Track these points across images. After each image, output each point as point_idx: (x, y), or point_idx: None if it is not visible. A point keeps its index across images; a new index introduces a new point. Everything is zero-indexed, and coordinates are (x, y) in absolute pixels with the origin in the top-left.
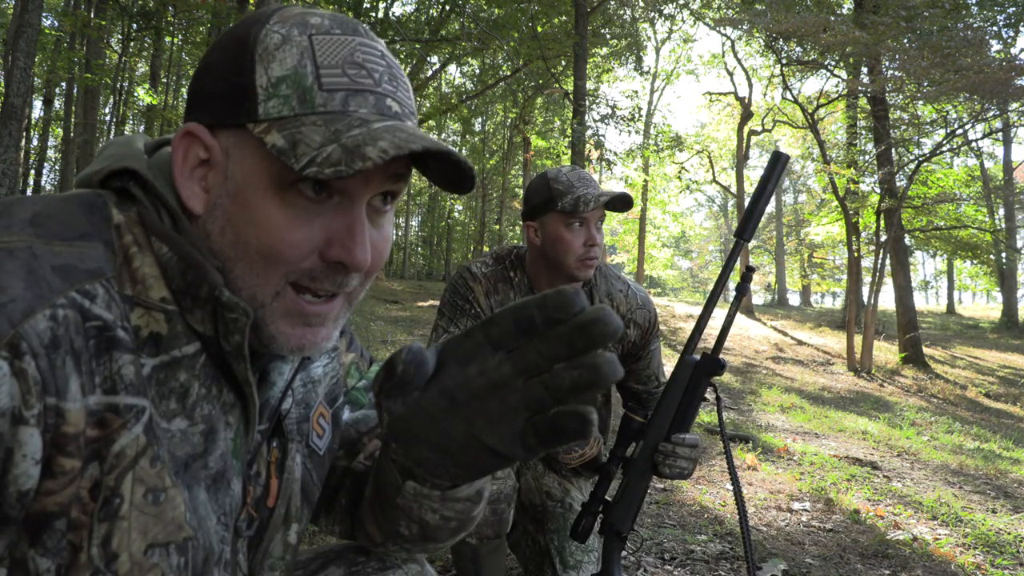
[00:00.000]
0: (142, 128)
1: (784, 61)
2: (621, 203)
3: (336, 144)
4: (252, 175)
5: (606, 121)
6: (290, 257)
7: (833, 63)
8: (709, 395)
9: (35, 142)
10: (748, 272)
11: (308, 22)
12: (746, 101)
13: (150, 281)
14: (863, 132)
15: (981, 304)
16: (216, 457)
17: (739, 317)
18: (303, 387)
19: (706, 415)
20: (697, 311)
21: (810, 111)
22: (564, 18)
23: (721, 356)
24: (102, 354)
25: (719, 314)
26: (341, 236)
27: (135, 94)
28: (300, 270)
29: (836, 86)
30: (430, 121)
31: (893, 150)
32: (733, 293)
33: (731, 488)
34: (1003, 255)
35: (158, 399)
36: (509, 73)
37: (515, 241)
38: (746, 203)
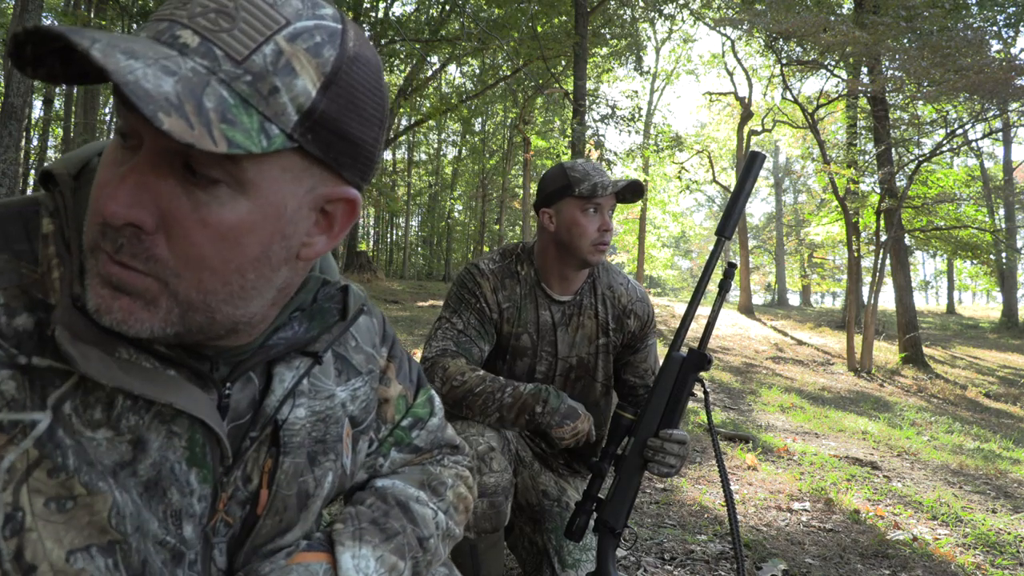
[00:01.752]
0: None
1: (784, 61)
2: (633, 192)
3: None
4: None
5: (606, 121)
6: (94, 205)
7: (833, 63)
8: (698, 391)
9: (35, 142)
10: (730, 268)
11: None
12: (746, 101)
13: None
14: (863, 132)
15: (981, 304)
16: (146, 466)
17: (739, 317)
18: (324, 401)
19: (705, 415)
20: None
21: (810, 111)
22: (564, 18)
23: (707, 351)
24: None
25: (707, 312)
26: None
27: None
28: (98, 225)
29: (836, 86)
30: (430, 121)
31: (893, 150)
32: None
33: (723, 485)
34: (1003, 255)
35: (82, 408)
36: (509, 73)
37: (515, 241)
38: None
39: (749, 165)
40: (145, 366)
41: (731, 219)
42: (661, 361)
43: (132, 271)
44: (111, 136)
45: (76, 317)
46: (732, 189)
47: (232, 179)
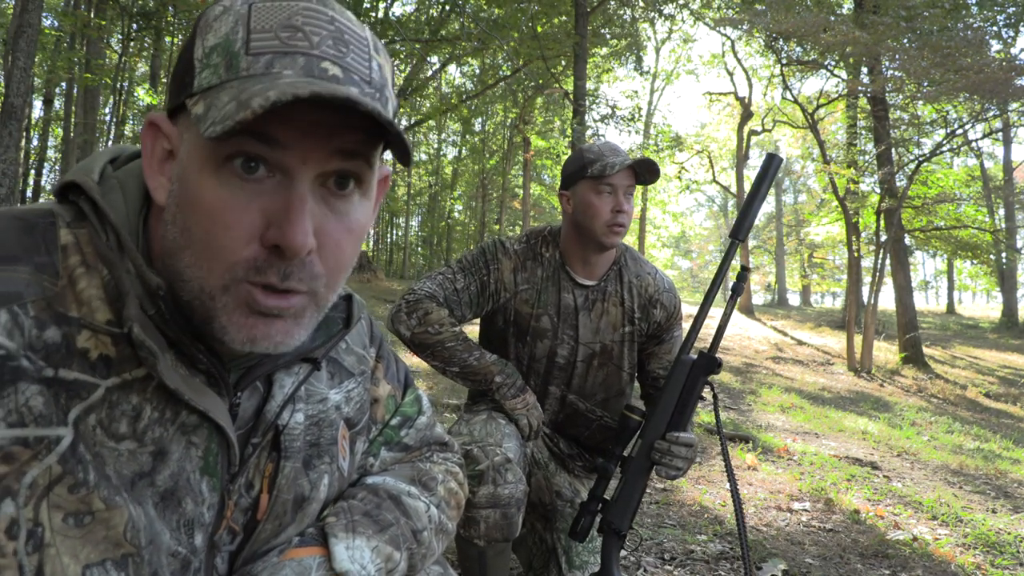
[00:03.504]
0: (141, 128)
1: (784, 61)
2: (647, 171)
3: (234, 100)
4: (192, 154)
5: (606, 121)
6: (227, 243)
7: (833, 63)
8: (707, 394)
9: (35, 142)
10: (743, 272)
11: None
12: (746, 101)
13: (95, 303)
14: (863, 132)
15: (981, 304)
16: (165, 476)
17: (739, 317)
18: (317, 405)
19: (706, 415)
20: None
21: (810, 111)
22: (564, 18)
23: (718, 355)
24: (6, 386)
25: (717, 313)
26: (278, 217)
27: (135, 94)
28: (242, 261)
29: (836, 86)
30: (430, 121)
31: (893, 150)
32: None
33: (731, 488)
34: (1003, 255)
35: (107, 421)
36: (509, 73)
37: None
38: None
39: (766, 167)
40: (181, 372)
41: (745, 222)
42: None
43: (292, 295)
44: (112, 140)
45: (143, 319)
46: (732, 189)
47: (363, 184)
